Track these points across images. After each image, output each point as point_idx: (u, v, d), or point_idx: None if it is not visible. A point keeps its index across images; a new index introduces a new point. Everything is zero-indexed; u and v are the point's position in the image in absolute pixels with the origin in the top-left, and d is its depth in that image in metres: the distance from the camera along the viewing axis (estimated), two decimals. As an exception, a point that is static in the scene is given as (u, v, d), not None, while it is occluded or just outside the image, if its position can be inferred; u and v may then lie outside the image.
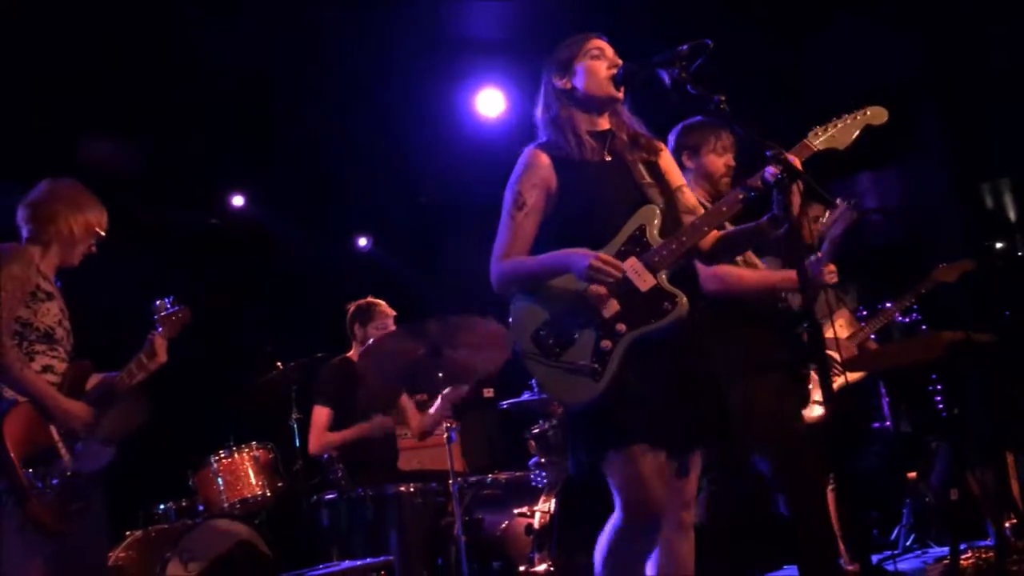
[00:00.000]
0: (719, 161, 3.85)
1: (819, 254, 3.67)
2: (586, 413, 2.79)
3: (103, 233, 3.55)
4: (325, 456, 4.97)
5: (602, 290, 2.79)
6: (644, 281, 2.80)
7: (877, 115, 2.98)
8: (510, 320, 2.87)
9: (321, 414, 5.04)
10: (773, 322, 3.79)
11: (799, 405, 3.96)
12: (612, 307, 2.80)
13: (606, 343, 2.77)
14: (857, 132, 2.95)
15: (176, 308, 3.60)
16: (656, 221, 2.90)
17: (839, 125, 2.96)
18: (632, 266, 2.81)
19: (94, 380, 3.45)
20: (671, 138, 4.00)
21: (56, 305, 3.39)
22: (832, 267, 3.72)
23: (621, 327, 2.78)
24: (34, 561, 3.14)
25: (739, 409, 3.57)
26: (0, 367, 3.17)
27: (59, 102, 5.77)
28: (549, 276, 2.87)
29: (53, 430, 3.27)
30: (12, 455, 3.11)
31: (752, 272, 3.77)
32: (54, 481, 3.20)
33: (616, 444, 2.79)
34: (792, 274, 3.68)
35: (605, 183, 2.97)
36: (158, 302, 3.59)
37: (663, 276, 2.82)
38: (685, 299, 2.79)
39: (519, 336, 2.84)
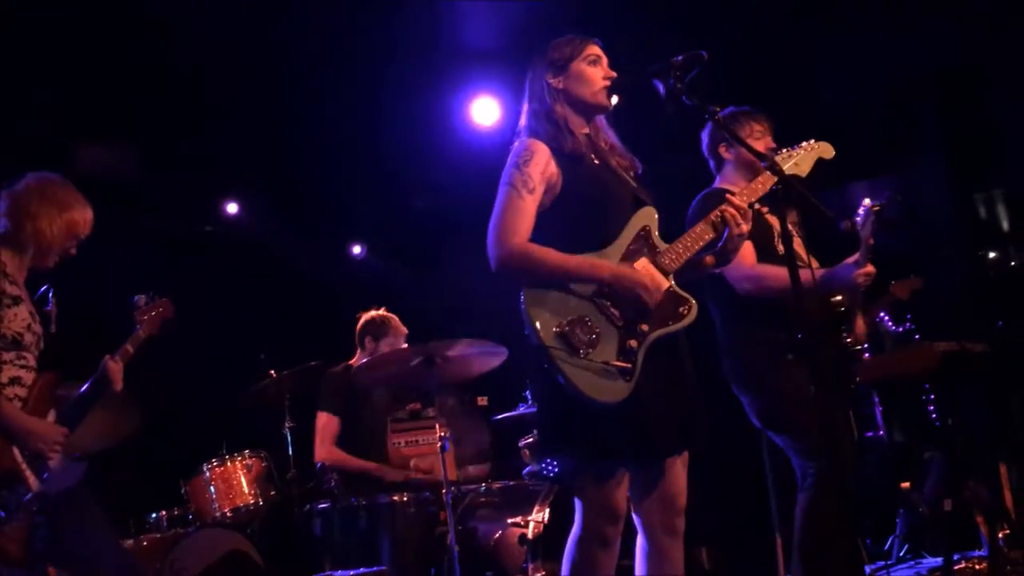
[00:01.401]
0: (758, 146, 3.79)
1: (856, 256, 3.67)
2: (587, 415, 2.73)
3: (84, 236, 3.35)
4: (319, 465, 4.96)
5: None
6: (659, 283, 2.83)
7: (826, 150, 3.16)
8: (526, 313, 2.75)
9: (330, 422, 5.02)
10: (819, 317, 3.79)
11: (843, 402, 3.94)
12: (633, 307, 2.80)
13: (632, 342, 2.75)
14: (812, 163, 3.08)
15: (155, 302, 3.43)
16: (656, 223, 2.94)
17: (800, 153, 3.14)
18: (646, 267, 2.83)
19: (63, 391, 3.26)
20: (705, 135, 4.05)
21: (24, 308, 3.18)
22: (870, 269, 3.70)
23: (644, 327, 2.78)
24: None
25: (782, 392, 3.60)
26: None
27: (52, 108, 5.76)
28: (582, 280, 2.79)
29: (16, 452, 3.06)
30: None
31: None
32: (17, 507, 3.00)
33: (600, 456, 2.80)
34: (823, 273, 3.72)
35: (604, 181, 2.98)
36: (136, 297, 3.42)
37: (672, 279, 2.86)
38: (695, 304, 2.85)
39: (541, 331, 2.71)
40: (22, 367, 3.15)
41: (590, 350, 2.71)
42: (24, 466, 3.07)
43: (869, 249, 3.68)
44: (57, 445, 3.13)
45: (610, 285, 2.79)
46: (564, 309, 2.76)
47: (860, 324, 4.08)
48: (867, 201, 3.68)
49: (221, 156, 6.68)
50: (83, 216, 3.33)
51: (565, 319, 2.74)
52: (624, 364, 2.72)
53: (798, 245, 3.81)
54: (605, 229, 2.88)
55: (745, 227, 2.90)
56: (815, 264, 3.79)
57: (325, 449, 5.00)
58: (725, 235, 2.91)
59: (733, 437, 4.38)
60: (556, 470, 4.95)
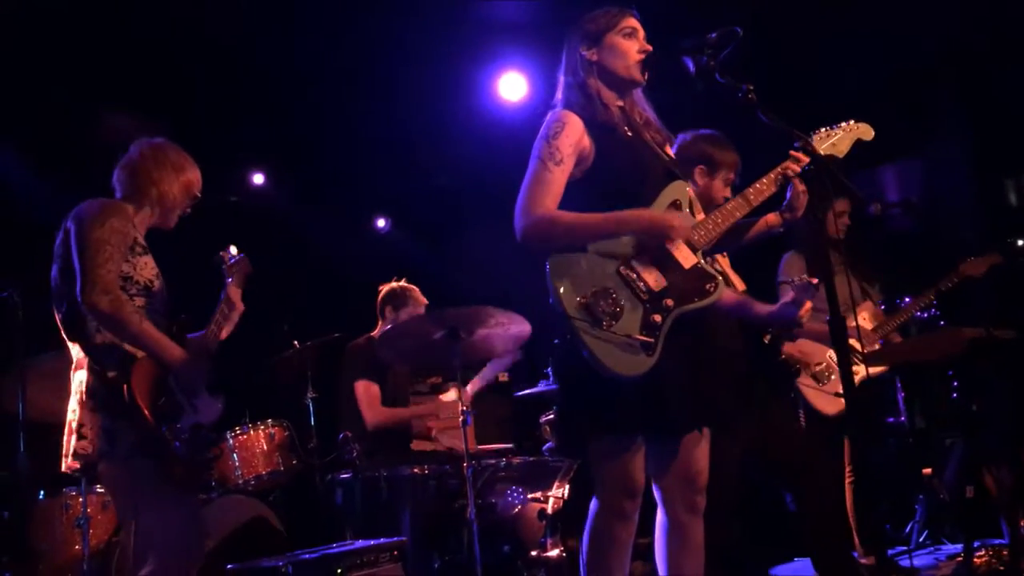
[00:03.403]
0: (723, 192, 3.69)
1: (791, 297, 3.49)
2: (605, 387, 2.72)
3: (198, 195, 3.49)
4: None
5: (649, 263, 2.78)
6: (686, 258, 2.82)
7: (866, 131, 3.11)
8: (551, 282, 2.74)
9: (371, 388, 5.06)
10: (743, 330, 3.75)
11: (788, 406, 3.95)
12: (659, 280, 2.79)
13: (656, 316, 2.73)
14: (851, 143, 3.04)
15: (239, 257, 3.51)
16: (689, 198, 2.92)
17: (839, 133, 3.09)
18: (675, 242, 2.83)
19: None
20: (684, 138, 3.78)
21: (151, 260, 3.29)
22: (808, 305, 3.49)
23: (669, 302, 2.76)
24: (173, 517, 3.03)
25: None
26: (119, 322, 3.03)
27: (80, 80, 5.78)
28: (613, 234, 2.79)
29: (173, 384, 3.13)
30: (146, 411, 2.98)
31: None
32: (184, 435, 3.07)
33: (615, 429, 2.80)
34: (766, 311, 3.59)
35: (637, 153, 2.96)
36: (222, 252, 3.50)
37: (700, 256, 2.84)
38: (723, 281, 2.83)
39: (565, 301, 2.70)
40: (154, 312, 3.22)
41: (613, 322, 2.69)
42: (183, 397, 3.15)
43: (807, 291, 3.51)
44: (204, 378, 3.23)
45: (637, 231, 2.78)
46: (588, 280, 2.74)
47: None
48: (804, 277, 3.53)
49: (248, 127, 6.69)
50: (196, 176, 3.49)
51: (589, 290, 2.72)
52: (647, 338, 2.69)
53: (724, 264, 3.70)
54: (636, 201, 2.86)
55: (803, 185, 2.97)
56: (740, 286, 3.73)
57: (373, 412, 5.02)
58: (790, 193, 2.99)
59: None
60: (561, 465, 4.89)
